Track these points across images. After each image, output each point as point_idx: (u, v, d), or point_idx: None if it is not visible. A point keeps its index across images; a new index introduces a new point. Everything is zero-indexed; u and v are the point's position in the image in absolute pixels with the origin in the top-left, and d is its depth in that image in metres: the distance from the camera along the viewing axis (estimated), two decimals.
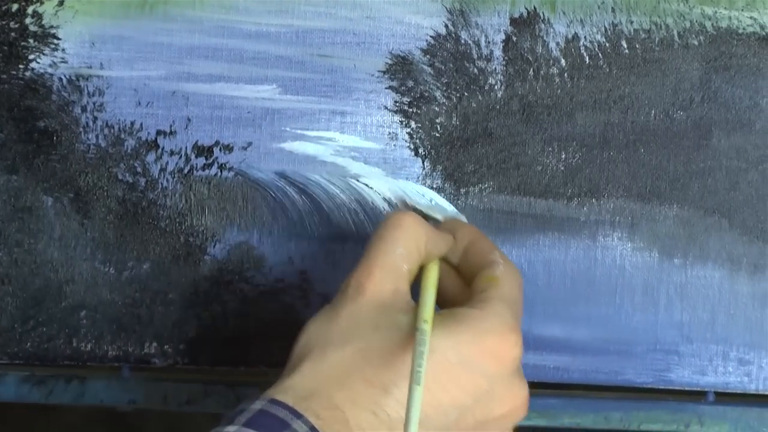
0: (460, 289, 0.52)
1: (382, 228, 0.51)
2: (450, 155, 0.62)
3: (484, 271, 0.51)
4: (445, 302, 0.52)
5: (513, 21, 0.62)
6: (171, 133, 0.62)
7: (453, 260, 0.54)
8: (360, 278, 0.49)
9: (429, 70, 0.62)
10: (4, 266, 0.62)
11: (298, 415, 0.43)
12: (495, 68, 0.62)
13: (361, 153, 0.62)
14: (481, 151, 0.62)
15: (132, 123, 0.62)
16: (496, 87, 0.62)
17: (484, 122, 0.62)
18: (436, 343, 0.46)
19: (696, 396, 0.63)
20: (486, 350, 0.47)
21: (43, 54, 0.62)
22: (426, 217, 0.56)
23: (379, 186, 0.62)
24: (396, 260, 0.49)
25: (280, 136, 0.62)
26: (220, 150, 0.62)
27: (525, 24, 0.62)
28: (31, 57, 0.62)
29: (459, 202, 0.62)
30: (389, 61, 0.62)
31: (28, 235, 0.62)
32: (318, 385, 0.45)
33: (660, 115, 0.62)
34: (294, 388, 0.45)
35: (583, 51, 0.62)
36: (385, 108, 0.62)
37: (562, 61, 0.62)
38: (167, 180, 0.63)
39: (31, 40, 0.62)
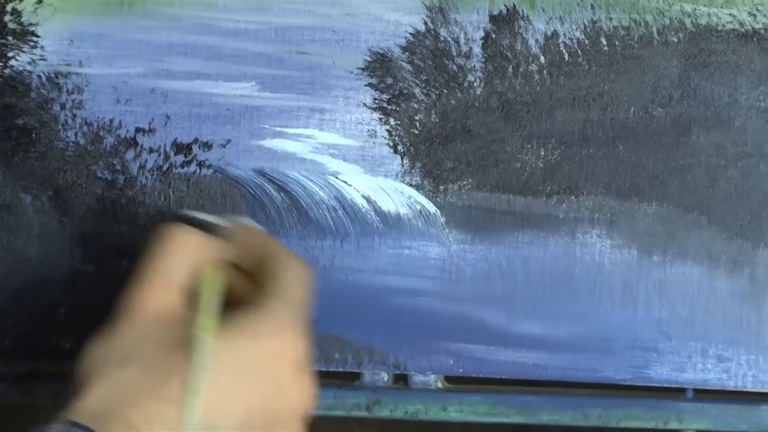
0: (254, 293, 0.51)
1: (152, 243, 0.50)
2: (429, 152, 0.62)
3: (265, 269, 0.50)
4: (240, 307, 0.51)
5: (492, 18, 0.62)
6: (150, 130, 0.62)
7: (243, 264, 0.52)
8: (133, 295, 0.49)
9: (408, 67, 0.62)
10: None
11: None
12: (474, 65, 0.62)
13: (340, 150, 0.62)
14: (460, 148, 0.62)
15: (111, 120, 0.62)
16: (475, 84, 0.62)
17: (463, 119, 0.62)
18: (218, 351, 0.46)
19: (675, 393, 0.63)
20: (266, 352, 0.47)
21: (22, 51, 0.62)
22: (205, 226, 0.53)
23: (358, 183, 0.62)
24: (168, 273, 0.49)
25: (258, 134, 0.62)
26: (199, 147, 0.62)
27: (504, 21, 0.62)
28: (10, 54, 0.62)
29: (438, 199, 0.62)
30: (368, 59, 0.62)
31: (7, 232, 0.62)
32: (110, 405, 0.44)
33: (639, 112, 0.62)
34: (89, 409, 0.44)
35: (562, 48, 0.62)
36: (364, 105, 0.62)
37: (542, 58, 0.62)
38: (146, 177, 0.62)
39: (10, 38, 0.62)
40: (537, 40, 0.62)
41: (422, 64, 0.62)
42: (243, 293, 0.51)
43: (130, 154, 0.62)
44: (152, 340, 0.47)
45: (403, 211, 0.62)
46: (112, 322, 0.49)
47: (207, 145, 0.62)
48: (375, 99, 0.62)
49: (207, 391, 0.44)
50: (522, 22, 0.62)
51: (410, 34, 0.62)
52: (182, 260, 0.50)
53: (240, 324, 0.48)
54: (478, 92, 0.62)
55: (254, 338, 0.47)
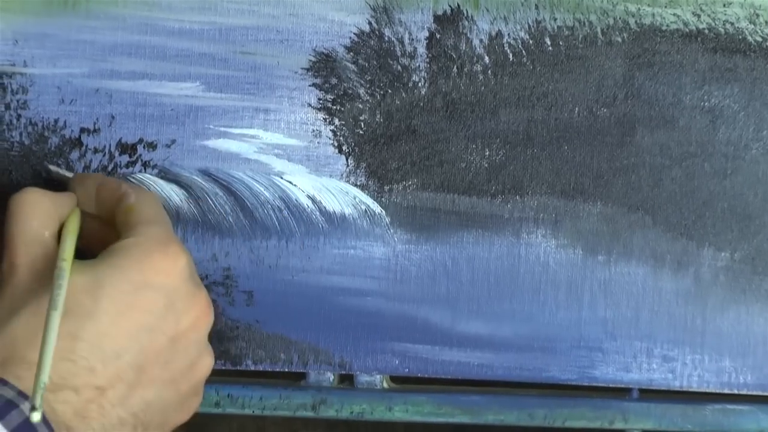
0: (112, 235, 0.54)
1: (10, 210, 0.53)
2: (374, 152, 0.62)
3: (119, 206, 0.54)
4: (101, 251, 0.53)
5: (436, 18, 0.62)
6: (95, 130, 0.62)
7: (92, 210, 0.56)
8: (9, 258, 0.51)
9: (353, 67, 0.62)
10: None
11: (3, 382, 0.45)
12: (419, 65, 0.62)
13: (285, 150, 0.62)
14: (405, 148, 0.62)
15: (56, 121, 0.62)
16: (419, 84, 0.62)
17: (407, 119, 0.62)
18: (105, 279, 0.49)
19: (620, 393, 0.63)
20: (152, 269, 0.50)
21: None
22: (53, 181, 0.59)
23: (303, 183, 0.62)
24: (34, 231, 0.52)
25: (203, 134, 0.62)
26: (144, 147, 0.62)
27: (448, 21, 0.62)
28: None
29: (383, 199, 0.62)
30: (313, 59, 0.62)
31: None
32: (8, 352, 0.47)
33: (583, 112, 0.62)
34: None
35: (506, 48, 0.62)
36: (309, 105, 0.62)
37: (486, 59, 0.62)
38: None
39: None
40: (481, 40, 0.62)
41: (367, 65, 0.62)
42: (99, 236, 0.54)
43: (75, 155, 0.62)
44: (31, 289, 0.49)
45: (348, 211, 0.62)
46: None
47: (152, 146, 0.62)
48: (319, 99, 0.62)
49: (93, 323, 0.47)
50: (466, 22, 0.62)
51: (354, 34, 0.62)
52: (43, 216, 0.52)
53: (122, 251, 0.50)
54: (423, 92, 0.62)
55: (139, 260, 0.50)
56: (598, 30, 0.62)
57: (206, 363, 0.53)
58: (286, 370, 0.63)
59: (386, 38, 0.62)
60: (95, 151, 0.62)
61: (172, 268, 0.51)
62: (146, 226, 0.52)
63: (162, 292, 0.50)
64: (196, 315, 0.52)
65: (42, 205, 0.53)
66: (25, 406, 0.44)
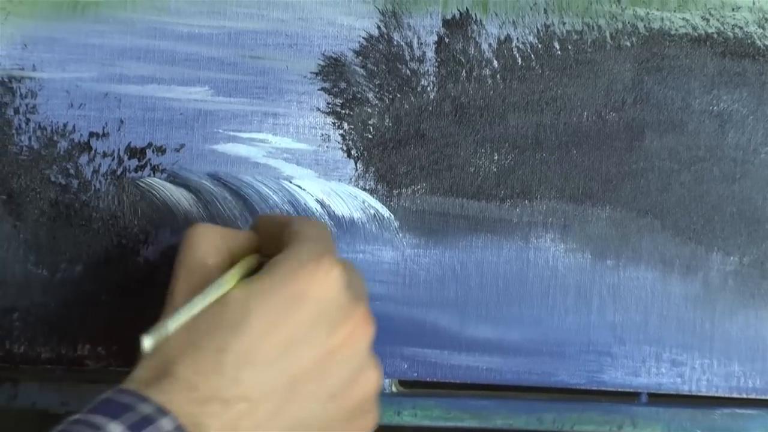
0: None
1: (180, 242, 0.52)
2: (382, 157, 0.62)
3: (284, 234, 0.51)
4: None
5: (445, 22, 0.62)
6: (104, 134, 0.62)
7: (271, 251, 0.53)
8: (171, 285, 0.51)
9: (361, 71, 0.62)
10: None
11: (143, 399, 0.44)
12: (427, 70, 0.62)
13: (294, 154, 0.62)
14: (414, 152, 0.62)
15: (65, 125, 0.62)
16: (428, 88, 0.62)
17: (416, 124, 0.62)
18: (257, 293, 0.47)
19: (629, 397, 0.63)
20: (303, 281, 0.48)
21: None
22: None
23: (312, 188, 0.62)
24: (196, 260, 0.51)
25: (212, 138, 0.62)
26: (153, 152, 0.62)
27: (457, 25, 0.62)
28: None
29: (392, 203, 0.62)
30: (322, 63, 0.62)
31: None
32: (158, 371, 0.45)
33: (592, 117, 0.62)
34: (138, 377, 0.46)
35: (515, 52, 0.62)
36: (318, 109, 0.62)
37: (495, 63, 0.62)
38: (100, 182, 0.62)
39: None
40: (490, 45, 0.62)
41: (375, 69, 0.62)
42: None
43: (84, 159, 0.62)
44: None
45: (357, 215, 0.62)
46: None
47: (161, 150, 0.62)
48: (328, 103, 0.62)
49: (242, 336, 0.46)
50: (475, 27, 0.62)
51: (363, 38, 0.62)
52: (204, 248, 0.51)
53: (272, 266, 0.49)
54: (432, 96, 0.62)
55: (290, 273, 0.48)
56: (607, 34, 0.62)
57: (371, 378, 0.50)
58: None
59: (395, 42, 0.62)
60: (104, 155, 0.62)
61: (325, 279, 0.48)
62: (302, 242, 0.50)
63: (314, 304, 0.48)
64: (353, 327, 0.49)
65: (208, 236, 0.52)
66: (164, 422, 0.43)
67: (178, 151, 0.62)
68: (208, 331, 0.46)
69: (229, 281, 0.49)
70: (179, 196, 0.62)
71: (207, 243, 0.51)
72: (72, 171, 0.62)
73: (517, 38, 0.62)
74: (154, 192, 0.62)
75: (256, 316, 0.47)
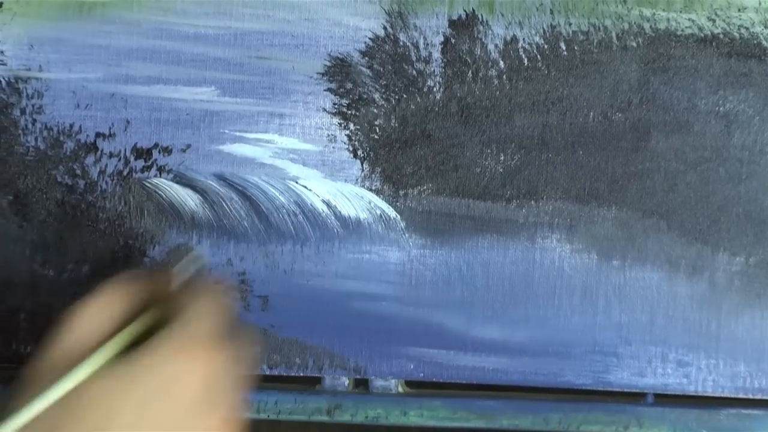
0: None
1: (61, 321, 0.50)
2: (389, 157, 0.62)
3: (176, 303, 0.49)
4: None
5: (451, 23, 0.62)
6: (110, 135, 0.62)
7: (166, 312, 0.51)
8: (36, 365, 0.48)
9: (367, 72, 0.62)
10: None
11: None
12: (433, 70, 0.62)
13: (300, 155, 0.62)
14: (420, 152, 0.62)
15: (71, 125, 0.62)
16: (434, 89, 0.62)
17: (422, 124, 0.62)
18: (120, 385, 0.45)
19: (635, 397, 0.63)
20: (167, 376, 0.46)
21: None
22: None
23: (318, 188, 0.62)
24: (72, 342, 0.49)
25: (218, 138, 0.62)
26: (159, 152, 0.62)
27: (463, 26, 0.62)
28: None
29: (398, 203, 0.62)
30: (328, 63, 0.62)
31: None
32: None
33: (598, 117, 0.62)
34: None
35: (521, 53, 0.62)
36: (324, 110, 0.62)
37: (501, 63, 0.62)
38: (106, 182, 0.62)
39: None
40: (496, 45, 0.62)
41: (382, 69, 0.62)
42: None
43: (90, 159, 0.62)
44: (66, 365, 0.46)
45: (363, 215, 0.62)
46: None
47: (167, 150, 0.62)
48: (334, 104, 0.62)
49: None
50: (481, 27, 0.62)
51: (369, 38, 0.62)
52: (101, 312, 0.50)
53: (136, 355, 0.46)
54: (438, 97, 0.62)
55: (148, 366, 0.46)
56: (613, 35, 0.62)
57: None
58: (301, 374, 0.63)
59: (401, 43, 0.62)
60: (111, 155, 0.62)
61: (189, 378, 0.46)
62: (182, 323, 0.47)
63: (174, 402, 0.45)
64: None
65: (92, 317, 0.50)
66: None
67: (184, 151, 0.62)
68: (67, 427, 0.44)
69: (96, 361, 0.46)
70: (185, 196, 0.62)
71: (88, 323, 0.49)
72: (78, 171, 0.62)
73: (524, 39, 0.62)
74: (160, 192, 0.62)
75: (119, 413, 0.44)
